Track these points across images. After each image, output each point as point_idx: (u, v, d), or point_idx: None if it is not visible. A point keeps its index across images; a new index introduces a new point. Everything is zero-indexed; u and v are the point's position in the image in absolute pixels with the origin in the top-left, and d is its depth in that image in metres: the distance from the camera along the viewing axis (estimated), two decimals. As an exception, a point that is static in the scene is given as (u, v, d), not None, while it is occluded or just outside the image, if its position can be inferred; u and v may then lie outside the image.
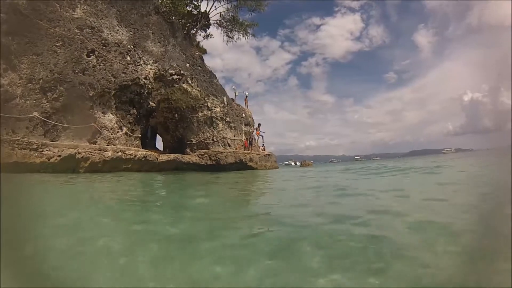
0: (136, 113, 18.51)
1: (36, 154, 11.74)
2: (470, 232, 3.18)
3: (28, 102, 12.36)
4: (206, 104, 23.58)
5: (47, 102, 13.15)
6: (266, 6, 28.22)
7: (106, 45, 16.29)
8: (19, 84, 12.07)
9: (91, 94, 15.10)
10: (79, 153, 13.53)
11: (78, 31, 14.78)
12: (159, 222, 3.61)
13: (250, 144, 27.51)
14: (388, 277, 1.95)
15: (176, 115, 23.04)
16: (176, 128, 24.34)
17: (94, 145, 14.98)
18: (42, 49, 13.02)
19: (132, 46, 17.89)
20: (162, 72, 20.20)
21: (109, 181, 10.70)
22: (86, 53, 15.12)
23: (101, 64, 15.86)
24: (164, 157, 20.16)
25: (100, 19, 16.10)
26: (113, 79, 16.39)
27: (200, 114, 23.54)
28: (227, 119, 25.11)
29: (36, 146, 11.77)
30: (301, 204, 5.11)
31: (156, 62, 19.69)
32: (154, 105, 20.52)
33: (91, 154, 14.14)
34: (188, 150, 23.82)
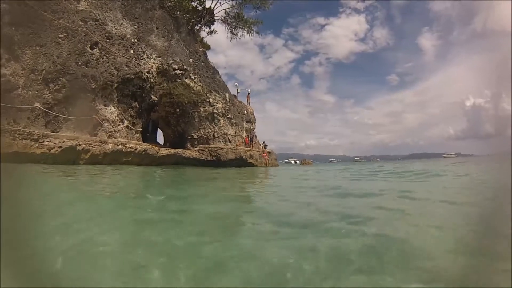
0: (137, 106, 18.55)
1: (37, 145, 11.80)
2: (471, 233, 3.18)
3: (30, 92, 12.42)
4: (208, 100, 23.58)
5: (49, 93, 13.20)
6: (271, 4, 28.15)
7: (110, 38, 16.31)
8: (22, 75, 12.11)
9: (93, 87, 15.14)
10: (79, 144, 13.59)
11: (82, 23, 14.81)
12: (160, 221, 3.60)
13: (251, 141, 27.51)
14: (388, 277, 1.96)
15: (178, 110, 23.04)
16: (177, 122, 24.36)
17: (95, 137, 15.03)
18: (45, 40, 13.05)
19: (136, 40, 17.90)
20: (165, 67, 20.22)
21: (109, 176, 10.73)
22: (89, 45, 15.15)
23: (104, 57, 15.90)
24: (164, 151, 20.21)
25: (105, 12, 16.13)
26: (116, 72, 16.42)
27: (201, 109, 23.56)
28: (229, 115, 25.11)
29: (37, 137, 11.83)
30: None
31: (159, 57, 19.71)
32: (156, 99, 20.52)
33: (92, 146, 14.19)
34: (188, 145, 23.85)
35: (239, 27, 27.95)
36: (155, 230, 3.13)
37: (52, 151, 12.34)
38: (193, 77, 22.36)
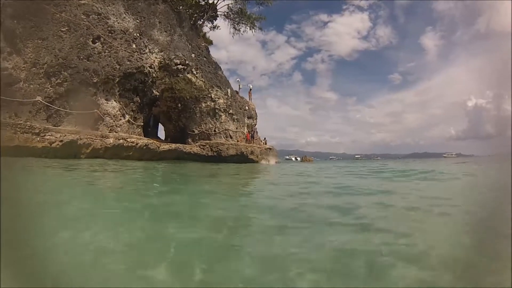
0: (139, 101, 18.52)
1: (38, 139, 11.82)
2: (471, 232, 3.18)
3: (31, 86, 12.42)
4: (209, 95, 23.55)
5: (50, 87, 13.19)
6: (274, 0, 28.03)
7: (112, 32, 16.26)
8: (23, 68, 12.10)
9: (95, 81, 15.12)
10: (81, 139, 13.60)
11: (85, 17, 14.76)
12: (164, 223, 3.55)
13: (252, 137, 27.50)
14: (387, 277, 1.96)
15: (179, 105, 23.03)
16: (178, 117, 24.36)
17: (96, 131, 15.04)
18: (47, 34, 13.02)
19: (138, 34, 17.84)
20: (167, 61, 20.16)
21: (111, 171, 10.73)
22: (91, 39, 15.11)
23: (107, 51, 15.86)
24: (165, 146, 20.22)
25: (107, 6, 16.06)
26: (117, 67, 16.39)
27: (203, 104, 23.54)
28: (230, 111, 25.08)
29: (38, 131, 11.84)
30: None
31: (161, 51, 19.64)
32: (157, 94, 20.48)
33: (93, 141, 14.21)
34: (189, 140, 23.86)
35: (242, 23, 27.84)
36: (157, 228, 3.09)
37: (53, 145, 12.37)
38: (195, 72, 22.31)
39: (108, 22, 16.00)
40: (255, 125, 29.14)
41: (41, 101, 12.59)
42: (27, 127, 11.44)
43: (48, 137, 12.20)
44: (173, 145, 21.20)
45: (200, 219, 3.71)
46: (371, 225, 3.46)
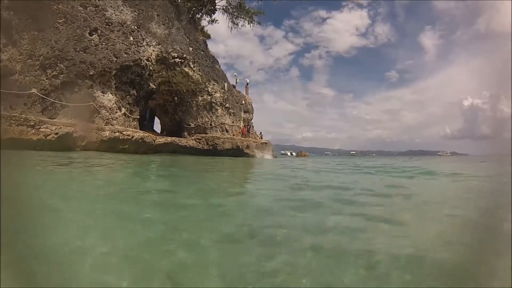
0: (135, 94, 18.46)
1: (33, 131, 11.82)
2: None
3: (27, 78, 12.36)
4: (206, 89, 23.51)
5: (46, 79, 13.13)
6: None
7: (110, 24, 16.15)
8: (19, 60, 12.04)
9: (91, 73, 15.04)
10: (76, 131, 13.60)
11: (82, 8, 14.65)
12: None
13: (248, 131, 27.55)
14: (386, 277, 1.94)
15: (176, 98, 22.98)
16: (175, 111, 24.32)
17: (92, 124, 15.02)
18: (44, 25, 12.92)
19: (135, 27, 17.73)
20: (164, 55, 20.07)
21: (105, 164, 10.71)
22: (88, 31, 15.01)
23: (103, 43, 15.76)
24: (161, 140, 20.23)
25: (105, -2, 15.94)
26: (114, 59, 16.30)
27: (200, 98, 23.51)
28: (227, 105, 25.07)
29: (33, 123, 11.84)
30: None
31: (159, 44, 19.54)
32: (154, 87, 20.45)
33: (89, 133, 14.21)
34: (185, 133, 23.87)
35: (241, 17, 27.67)
36: (159, 227, 3.03)
37: (49, 137, 12.37)
38: (192, 66, 22.23)
39: (105, 14, 15.88)
40: (251, 119, 29.15)
41: (36, 93, 12.55)
42: (22, 119, 11.44)
43: (43, 129, 12.20)
44: (169, 139, 21.22)
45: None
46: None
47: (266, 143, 28.49)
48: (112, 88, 16.52)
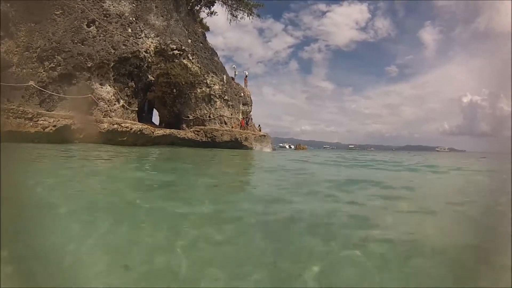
0: (134, 86, 18.44)
1: (31, 124, 11.83)
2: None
3: (24, 70, 12.34)
4: (205, 81, 23.46)
5: (44, 71, 13.11)
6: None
7: (108, 16, 16.05)
8: (16, 52, 12.00)
9: (89, 65, 15.01)
10: (74, 124, 13.61)
11: (79, 0, 14.54)
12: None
13: (247, 123, 27.57)
14: (385, 277, 1.91)
15: (175, 90, 22.91)
16: (173, 103, 24.26)
17: (90, 116, 15.02)
18: (41, 17, 12.85)
19: (134, 19, 17.61)
20: (163, 47, 19.99)
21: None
22: (86, 23, 14.93)
23: (101, 35, 15.69)
24: (160, 132, 20.27)
25: (103, -11, 15.81)
26: (112, 51, 16.24)
27: (198, 90, 23.45)
28: (225, 97, 25.04)
29: (31, 116, 11.84)
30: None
31: (157, 36, 19.44)
32: (153, 79, 20.37)
33: (87, 126, 14.21)
34: (184, 125, 23.86)
35: (240, 9, 27.42)
36: (160, 228, 2.98)
37: (47, 130, 12.39)
38: (191, 58, 22.15)
39: (103, 6, 15.78)
40: (250, 111, 29.12)
41: (34, 86, 12.54)
42: (19, 112, 11.44)
43: (41, 122, 12.20)
44: (168, 131, 21.25)
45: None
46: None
47: (264, 135, 28.51)
48: (110, 80, 16.49)
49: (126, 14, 17.06)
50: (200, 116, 24.09)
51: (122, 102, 17.40)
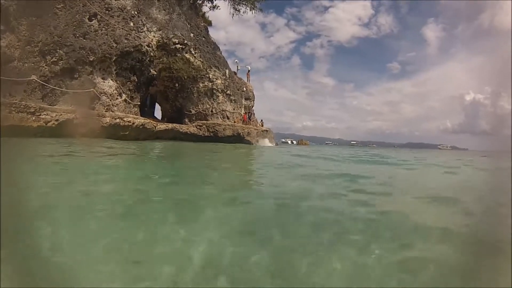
0: (136, 80, 18.38)
1: (33, 118, 11.84)
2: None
3: (26, 65, 12.30)
4: (207, 76, 23.36)
5: (46, 65, 13.07)
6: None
7: (109, 9, 15.95)
8: (18, 46, 11.95)
9: (91, 59, 14.95)
10: (76, 118, 13.60)
11: (81, -7, 14.46)
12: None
13: (249, 118, 27.51)
14: (384, 277, 1.88)
15: (177, 85, 22.85)
16: (175, 97, 24.21)
17: (93, 110, 15.01)
18: (42, 11, 12.77)
19: (136, 12, 17.51)
20: (165, 41, 19.89)
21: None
22: (88, 16, 14.85)
23: (103, 29, 15.61)
24: (162, 126, 20.26)
25: (104, -18, 15.70)
26: (114, 45, 16.17)
27: (201, 85, 23.37)
28: (228, 91, 24.95)
29: (33, 110, 11.85)
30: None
31: (159, 30, 19.34)
32: (155, 73, 20.31)
33: (89, 120, 14.21)
34: (186, 120, 23.84)
35: (242, 3, 27.21)
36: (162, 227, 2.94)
37: (49, 124, 12.41)
38: (193, 52, 22.04)
39: (105, -1, 15.69)
40: (253, 106, 29.04)
41: (36, 80, 12.51)
42: (22, 106, 11.43)
43: (43, 116, 12.22)
44: (170, 125, 21.24)
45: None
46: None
47: (267, 130, 28.48)
48: (112, 74, 16.44)
49: (128, 8, 16.96)
50: (203, 110, 24.04)
51: (124, 96, 17.37)
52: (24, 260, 1.91)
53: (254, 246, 2.12)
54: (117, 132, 15.72)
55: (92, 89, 15.15)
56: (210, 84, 23.64)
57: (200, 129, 22.94)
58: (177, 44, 20.74)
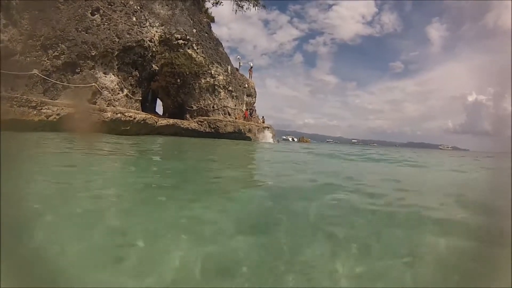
0: (138, 75, 18.37)
1: (35, 112, 11.87)
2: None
3: (28, 59, 12.30)
4: (209, 71, 23.34)
5: (47, 59, 13.06)
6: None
7: (112, 4, 15.93)
8: (20, 40, 11.94)
9: (93, 54, 14.94)
10: (78, 112, 13.62)
11: (83, -13, 14.43)
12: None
13: (250, 115, 27.50)
14: (384, 277, 1.86)
15: (179, 80, 22.84)
16: (177, 93, 24.21)
17: (94, 105, 15.03)
18: (44, 5, 12.76)
19: (138, 7, 17.48)
20: (167, 36, 19.86)
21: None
22: (90, 11, 14.82)
23: (106, 23, 15.58)
24: (163, 121, 20.28)
25: (107, -23, 15.66)
26: (117, 40, 16.16)
27: (202, 80, 23.36)
28: (230, 88, 24.94)
29: (35, 104, 11.87)
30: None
31: (162, 25, 19.31)
32: (157, 68, 20.30)
33: (90, 115, 14.23)
34: (187, 116, 23.85)
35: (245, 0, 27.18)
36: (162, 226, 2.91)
37: (50, 118, 12.43)
38: (195, 48, 22.02)
39: (107, -6, 15.66)
40: (254, 103, 29.03)
41: (37, 74, 12.52)
42: (23, 100, 11.45)
43: (45, 110, 12.24)
44: (171, 121, 21.26)
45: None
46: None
47: (268, 127, 28.46)
48: (114, 69, 16.44)
49: (131, 3, 16.93)
50: (204, 106, 24.04)
51: (126, 91, 17.37)
52: (24, 260, 1.92)
53: (258, 243, 2.12)
54: (118, 127, 15.74)
55: (93, 84, 15.16)
56: (212, 80, 23.63)
57: (201, 125, 22.96)
58: (180, 39, 20.72)
